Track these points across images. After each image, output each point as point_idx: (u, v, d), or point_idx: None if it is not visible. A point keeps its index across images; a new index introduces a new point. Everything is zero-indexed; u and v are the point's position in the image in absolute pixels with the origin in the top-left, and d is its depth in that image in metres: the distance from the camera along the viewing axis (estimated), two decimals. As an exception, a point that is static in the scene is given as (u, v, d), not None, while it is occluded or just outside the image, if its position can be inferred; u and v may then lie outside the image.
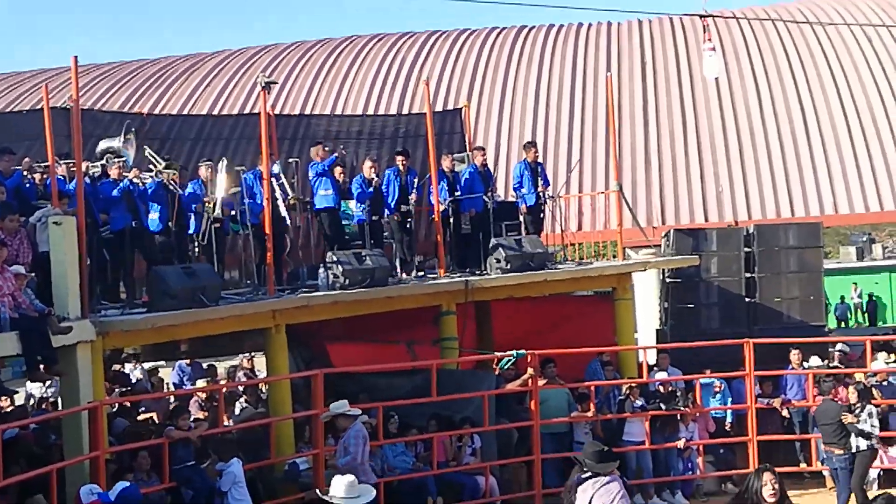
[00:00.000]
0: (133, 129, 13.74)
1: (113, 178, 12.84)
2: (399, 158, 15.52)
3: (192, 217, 13.83)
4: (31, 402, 16.04)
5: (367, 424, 13.01)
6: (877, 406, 13.67)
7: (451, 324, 14.76)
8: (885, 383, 15.00)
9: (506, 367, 14.14)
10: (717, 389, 15.05)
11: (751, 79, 24.42)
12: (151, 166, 13.55)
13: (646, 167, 23.14)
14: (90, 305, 11.23)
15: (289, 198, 14.75)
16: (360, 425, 11.44)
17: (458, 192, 15.71)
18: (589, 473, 9.33)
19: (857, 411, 12.62)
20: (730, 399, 15.09)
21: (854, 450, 12.52)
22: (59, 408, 14.80)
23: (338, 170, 15.07)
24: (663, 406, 14.30)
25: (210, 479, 10.94)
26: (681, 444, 14.16)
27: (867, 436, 12.52)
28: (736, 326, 16.46)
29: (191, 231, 13.82)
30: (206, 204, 13.68)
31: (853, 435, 12.53)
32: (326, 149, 15.45)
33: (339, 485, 7.82)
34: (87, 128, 13.37)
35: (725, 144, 23.23)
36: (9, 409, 14.16)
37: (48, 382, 15.58)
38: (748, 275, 17.13)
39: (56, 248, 10.88)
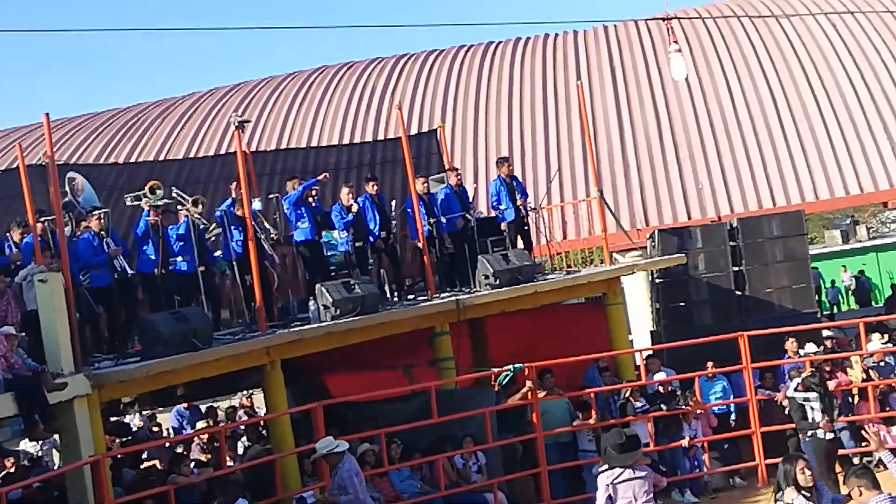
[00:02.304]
0: (73, 178, 13.79)
1: (94, 230, 12.86)
2: (370, 184, 15.57)
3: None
4: (25, 461, 15.95)
5: (369, 452, 13.04)
6: (877, 388, 13.76)
7: (445, 344, 14.77)
8: (882, 364, 15.05)
9: (504, 382, 14.14)
10: (711, 379, 14.98)
11: (720, 75, 24.53)
12: (179, 206, 13.64)
13: (624, 171, 23.21)
14: (83, 359, 11.21)
15: (271, 234, 14.79)
16: (351, 460, 11.33)
17: (436, 214, 15.74)
18: (605, 466, 9.38)
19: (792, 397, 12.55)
20: (731, 394, 15.12)
21: (808, 436, 12.37)
22: (56, 464, 14.80)
23: (313, 192, 15.03)
24: (664, 406, 14.33)
25: (218, 522, 10.89)
26: (685, 442, 14.18)
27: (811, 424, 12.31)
28: (729, 321, 16.52)
29: (184, 269, 13.76)
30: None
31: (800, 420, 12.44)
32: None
33: None
34: (63, 183, 13.38)
35: (701, 141, 23.31)
36: (12, 470, 14.10)
37: (42, 441, 15.55)
38: (736, 268, 17.21)
39: (44, 306, 10.87)
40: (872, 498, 6.69)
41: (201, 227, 13.80)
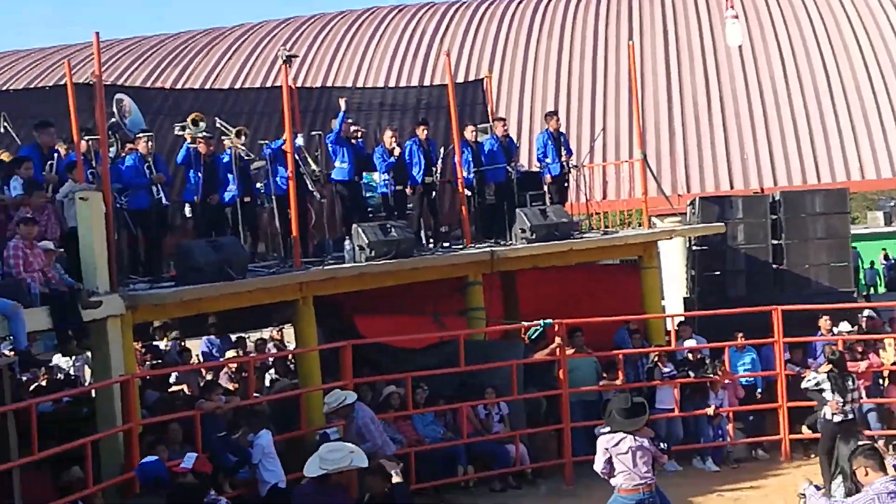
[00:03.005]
0: (121, 99, 13.81)
1: (141, 152, 12.91)
2: (420, 128, 15.47)
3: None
4: (59, 375, 16.15)
5: (395, 395, 13.11)
6: None
7: (477, 294, 14.76)
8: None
9: (534, 336, 14.13)
10: (740, 350, 14.90)
11: (774, 45, 24.18)
12: (223, 136, 13.66)
13: (670, 135, 22.99)
14: (118, 279, 11.29)
15: (312, 170, 14.79)
16: (363, 407, 11.37)
17: (482, 163, 15.67)
18: (607, 429, 9.27)
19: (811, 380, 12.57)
20: (759, 366, 15.05)
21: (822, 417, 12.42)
22: (88, 381, 14.97)
23: (357, 133, 14.93)
24: (692, 374, 14.28)
25: (243, 450, 10.98)
26: (710, 411, 14.14)
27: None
28: (763, 294, 16.38)
29: (226, 199, 13.84)
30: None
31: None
32: (349, 121, 15.41)
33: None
34: (110, 104, 13.42)
35: (750, 111, 23.03)
36: (44, 383, 14.30)
37: (75, 357, 15.74)
38: (775, 242, 17.06)
39: (83, 224, 10.93)
40: (878, 479, 6.59)
41: (245, 158, 13.82)
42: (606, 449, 9.25)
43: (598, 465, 9.38)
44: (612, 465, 9.24)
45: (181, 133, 13.81)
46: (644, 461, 9.18)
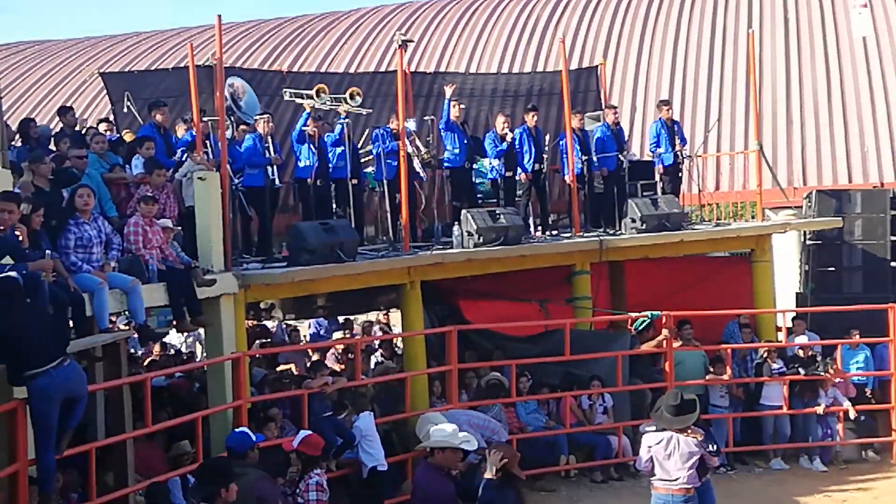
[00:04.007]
0: (231, 84, 14.03)
1: (261, 133, 13.15)
2: (530, 115, 15.42)
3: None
4: (171, 351, 16.61)
5: (496, 381, 13.16)
6: None
7: (584, 283, 14.69)
8: None
9: (640, 328, 14.02)
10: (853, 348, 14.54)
11: (900, 35, 23.46)
12: (337, 103, 13.81)
13: (787, 126, 22.48)
14: (232, 259, 11.55)
15: (423, 154, 14.88)
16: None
17: (589, 151, 15.57)
18: (653, 427, 9.02)
19: None
20: (872, 365, 14.68)
21: None
22: (200, 357, 15.36)
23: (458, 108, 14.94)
24: (802, 371, 14.00)
25: (347, 431, 11.15)
26: (821, 409, 13.83)
27: None
28: (880, 291, 15.95)
29: (340, 176, 13.97)
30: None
31: None
32: (462, 107, 15.45)
33: (446, 430, 7.91)
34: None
35: (872, 103, 22.36)
36: (157, 358, 14.72)
37: (187, 334, 16.16)
38: (894, 238, 16.57)
39: (201, 203, 11.21)
40: None
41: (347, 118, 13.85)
42: (649, 447, 8.95)
43: (640, 463, 9.15)
44: (653, 463, 8.96)
45: (297, 100, 13.96)
46: (687, 463, 8.79)
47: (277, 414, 10.98)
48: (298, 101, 13.93)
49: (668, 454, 8.85)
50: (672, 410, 8.86)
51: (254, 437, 8.80)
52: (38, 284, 7.63)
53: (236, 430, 9.40)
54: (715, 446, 9.08)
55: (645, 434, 9.21)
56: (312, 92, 13.57)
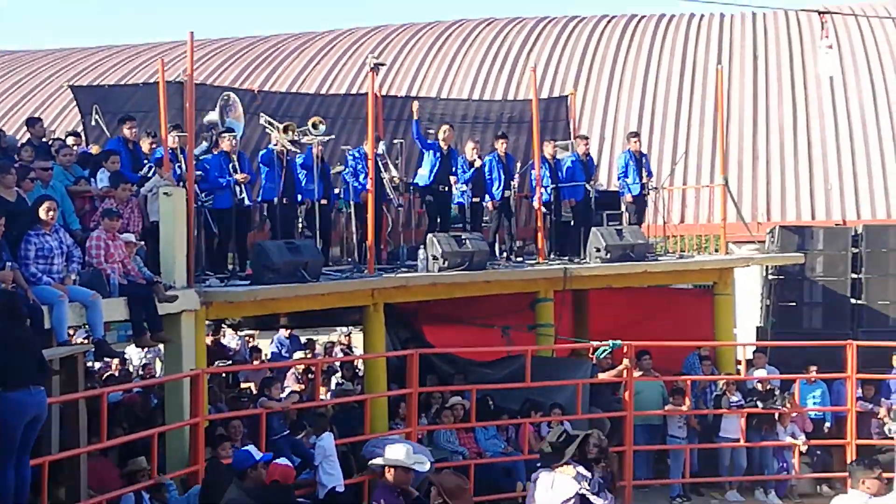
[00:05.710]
0: (228, 102, 13.96)
1: (225, 150, 13.07)
2: (500, 142, 15.50)
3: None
4: (130, 366, 16.50)
5: (459, 406, 13.15)
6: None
7: (547, 310, 14.73)
8: None
9: (602, 356, 14.07)
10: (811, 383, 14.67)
11: (866, 76, 23.78)
12: (269, 133, 13.80)
13: (753, 162, 22.72)
14: (195, 276, 11.50)
15: (392, 178, 14.90)
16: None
17: (559, 180, 15.66)
18: (539, 465, 8.76)
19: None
20: (829, 401, 14.81)
21: None
22: (159, 374, 15.25)
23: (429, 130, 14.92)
24: (760, 404, 14.10)
25: (305, 451, 11.11)
26: (788, 441, 13.94)
27: None
28: (839, 328, 16.10)
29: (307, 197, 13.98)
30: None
31: None
32: (430, 131, 15.52)
33: (400, 450, 7.90)
34: (199, 102, 13.65)
35: (837, 142, 22.67)
36: (115, 373, 14.61)
37: (147, 349, 16.03)
38: (854, 275, 16.75)
39: (165, 219, 11.16)
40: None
41: (288, 153, 13.78)
42: (536, 489, 8.53)
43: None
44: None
45: (270, 131, 13.92)
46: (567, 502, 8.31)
47: (239, 426, 10.92)
48: (268, 129, 13.88)
49: (548, 492, 8.46)
50: (548, 446, 8.67)
51: (257, 457, 8.68)
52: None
53: (242, 448, 9.29)
54: (597, 485, 8.44)
55: (537, 478, 8.71)
56: (282, 127, 13.51)
